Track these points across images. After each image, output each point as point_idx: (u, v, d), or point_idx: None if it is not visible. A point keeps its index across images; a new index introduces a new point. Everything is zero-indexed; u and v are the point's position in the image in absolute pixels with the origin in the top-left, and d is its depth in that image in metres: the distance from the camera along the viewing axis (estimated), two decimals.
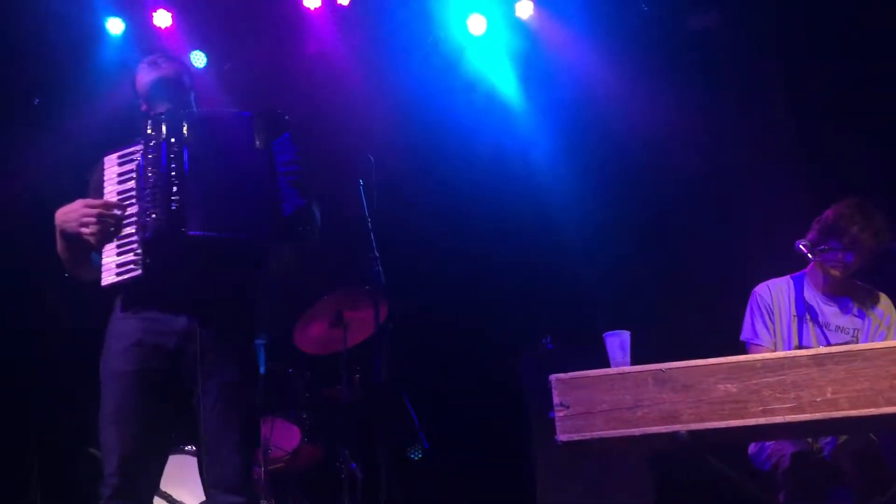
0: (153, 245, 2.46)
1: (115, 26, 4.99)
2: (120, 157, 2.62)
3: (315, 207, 2.70)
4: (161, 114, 2.61)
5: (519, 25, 5.22)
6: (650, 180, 5.03)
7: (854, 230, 3.11)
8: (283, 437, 4.17)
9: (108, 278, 2.49)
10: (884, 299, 3.30)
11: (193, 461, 3.48)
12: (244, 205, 2.55)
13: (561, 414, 2.49)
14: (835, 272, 3.23)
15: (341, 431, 4.43)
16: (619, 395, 2.49)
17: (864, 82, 4.52)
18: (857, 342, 3.21)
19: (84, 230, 2.50)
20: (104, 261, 2.51)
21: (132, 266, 2.47)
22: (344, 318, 4.17)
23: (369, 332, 4.15)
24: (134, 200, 2.53)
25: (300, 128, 2.70)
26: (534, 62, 5.26)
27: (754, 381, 2.46)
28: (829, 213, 3.22)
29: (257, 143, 2.62)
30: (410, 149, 5.15)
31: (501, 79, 5.33)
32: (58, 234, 2.60)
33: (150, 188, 2.50)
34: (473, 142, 5.24)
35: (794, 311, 3.29)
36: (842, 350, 2.50)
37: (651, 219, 5.04)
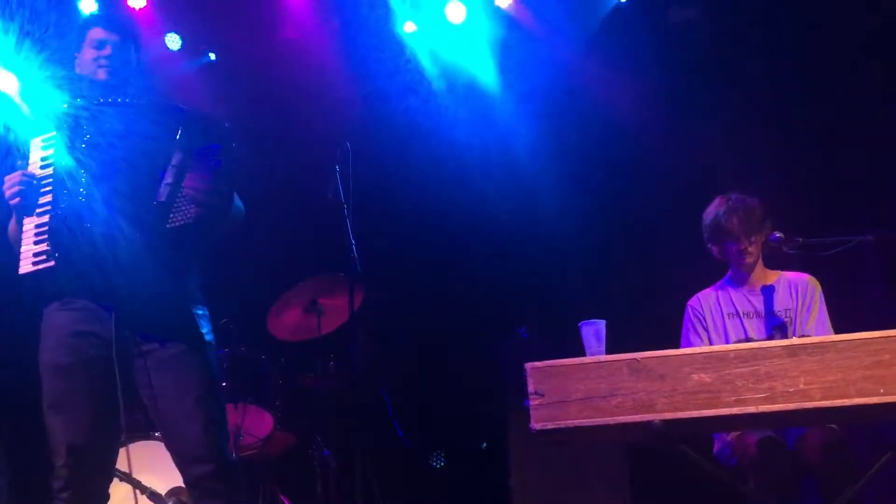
0: (59, 238, 2.45)
1: (87, 5, 4.89)
2: (44, 142, 2.57)
3: (224, 225, 2.59)
4: (77, 100, 2.55)
5: (498, 14, 5.20)
6: (628, 170, 5.05)
7: (725, 224, 3.26)
8: (256, 423, 4.13)
9: (25, 266, 2.47)
10: (805, 276, 3.37)
11: (162, 446, 3.47)
12: (141, 202, 2.47)
13: (535, 402, 2.48)
14: (743, 263, 3.32)
15: (315, 419, 4.40)
16: (594, 383, 2.49)
17: (845, 77, 4.55)
18: (791, 322, 3.28)
19: (15, 201, 2.50)
20: (23, 248, 2.49)
21: (45, 256, 2.45)
22: (318, 304, 4.15)
23: (344, 320, 4.14)
24: (51, 188, 2.50)
25: (240, 140, 2.55)
26: (513, 51, 5.24)
27: (728, 371, 2.47)
28: (704, 221, 3.37)
29: (176, 142, 2.48)
30: (388, 136, 5.12)
31: (481, 67, 5.31)
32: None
33: (62, 178, 2.48)
34: (452, 130, 5.22)
35: (724, 311, 3.37)
36: (815, 341, 2.52)
37: (628, 209, 5.06)
